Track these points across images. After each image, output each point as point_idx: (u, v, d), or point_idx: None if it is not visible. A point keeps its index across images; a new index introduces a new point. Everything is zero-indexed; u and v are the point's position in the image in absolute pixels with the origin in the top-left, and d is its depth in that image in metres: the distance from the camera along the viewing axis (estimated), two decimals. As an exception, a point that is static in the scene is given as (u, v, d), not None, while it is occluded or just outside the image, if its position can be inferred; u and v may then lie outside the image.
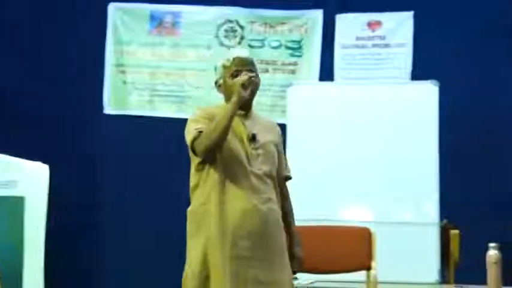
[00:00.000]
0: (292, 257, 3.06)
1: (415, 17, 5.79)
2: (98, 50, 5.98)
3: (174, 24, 6.05)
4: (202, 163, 2.94)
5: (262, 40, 5.97)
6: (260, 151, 2.97)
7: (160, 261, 5.58)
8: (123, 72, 5.99)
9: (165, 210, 5.67)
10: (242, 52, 3.14)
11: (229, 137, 2.88)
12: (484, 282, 3.38)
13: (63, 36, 5.96)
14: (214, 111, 2.97)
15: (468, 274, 4.42)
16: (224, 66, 3.02)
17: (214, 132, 2.83)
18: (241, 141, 2.95)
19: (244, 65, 3.00)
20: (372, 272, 4.13)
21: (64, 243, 5.37)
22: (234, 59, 3.01)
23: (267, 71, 5.87)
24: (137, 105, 5.96)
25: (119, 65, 5.99)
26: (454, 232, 4.86)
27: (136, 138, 5.79)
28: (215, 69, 3.08)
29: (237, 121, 2.93)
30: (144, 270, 5.59)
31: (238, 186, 2.89)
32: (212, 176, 2.92)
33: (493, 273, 3.28)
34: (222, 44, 6.00)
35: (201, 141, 2.87)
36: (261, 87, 6.24)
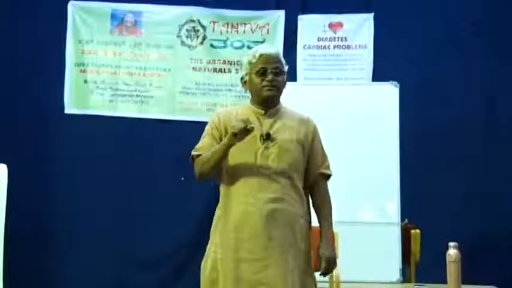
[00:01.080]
0: (320, 257, 2.99)
1: (376, 18, 5.84)
2: (58, 48, 5.89)
3: (136, 24, 6.00)
4: None
5: (224, 40, 5.96)
6: (273, 150, 2.88)
7: (118, 263, 5.56)
8: (84, 71, 5.92)
9: (125, 210, 5.64)
10: (268, 48, 3.01)
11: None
12: (444, 280, 3.44)
13: (22, 34, 5.85)
14: (232, 116, 2.92)
15: (429, 273, 4.48)
16: (250, 63, 2.93)
17: (206, 164, 2.86)
18: (254, 140, 2.87)
19: (270, 62, 2.90)
20: (335, 271, 4.16)
21: (23, 244, 5.29)
22: (260, 55, 2.91)
23: (229, 71, 5.88)
24: (98, 105, 5.88)
25: (79, 64, 5.91)
26: (415, 232, 4.91)
27: (98, 138, 5.71)
28: (241, 65, 3.01)
29: (254, 120, 2.89)
30: (101, 272, 5.54)
31: (242, 189, 2.85)
32: (224, 180, 2.93)
33: (452, 271, 3.34)
34: (184, 44, 5.97)
35: (196, 164, 2.91)
36: (223, 87, 6.25)
